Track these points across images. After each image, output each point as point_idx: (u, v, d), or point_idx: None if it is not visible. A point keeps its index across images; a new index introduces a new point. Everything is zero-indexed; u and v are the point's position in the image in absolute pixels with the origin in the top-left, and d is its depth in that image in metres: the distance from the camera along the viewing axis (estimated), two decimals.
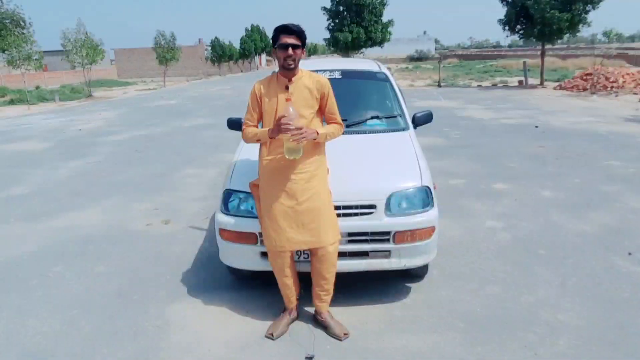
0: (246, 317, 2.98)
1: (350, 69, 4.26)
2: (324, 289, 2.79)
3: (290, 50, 2.56)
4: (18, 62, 21.70)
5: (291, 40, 2.56)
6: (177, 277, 3.58)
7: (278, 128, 2.49)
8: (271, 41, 2.68)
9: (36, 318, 3.07)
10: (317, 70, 4.11)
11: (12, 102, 21.82)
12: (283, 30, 2.58)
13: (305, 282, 2.94)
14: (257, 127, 2.75)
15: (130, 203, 5.57)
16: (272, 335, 2.74)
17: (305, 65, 4.87)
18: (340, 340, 2.71)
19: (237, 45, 56.70)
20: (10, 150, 9.60)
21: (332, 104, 2.78)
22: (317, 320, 2.86)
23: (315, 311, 2.88)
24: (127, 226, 4.79)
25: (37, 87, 28.88)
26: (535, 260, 3.67)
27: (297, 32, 2.57)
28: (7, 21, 37.91)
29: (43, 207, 5.55)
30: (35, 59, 22.59)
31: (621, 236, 4.09)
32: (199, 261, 3.86)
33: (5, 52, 22.74)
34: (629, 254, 3.73)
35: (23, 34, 26.73)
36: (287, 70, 2.64)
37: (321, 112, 2.79)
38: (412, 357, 2.55)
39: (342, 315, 2.91)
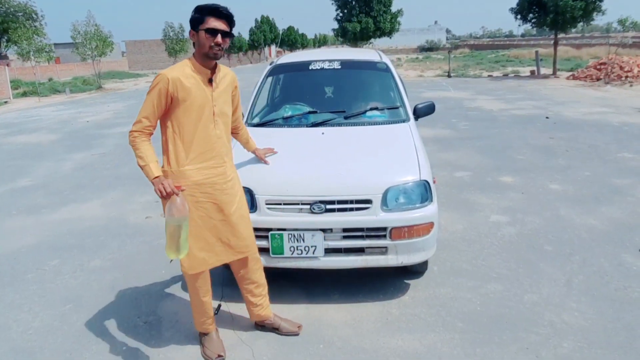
0: (239, 314, 2.91)
1: (349, 59, 4.14)
2: (262, 294, 2.61)
3: (219, 38, 2.19)
4: (29, 54, 21.86)
5: (222, 25, 2.20)
6: (172, 272, 3.52)
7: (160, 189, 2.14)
8: (190, 22, 2.22)
9: (28, 313, 3.05)
10: (315, 61, 4.02)
11: (24, 94, 22.01)
12: (212, 12, 2.18)
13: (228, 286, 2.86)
14: (154, 129, 2.27)
15: (131, 196, 5.54)
16: (222, 356, 2.49)
17: (300, 56, 4.70)
18: (297, 334, 2.61)
19: (246, 36, 56.58)
20: (18, 142, 9.66)
21: (239, 101, 2.58)
22: (264, 327, 2.70)
23: (258, 321, 2.71)
24: (126, 219, 4.75)
25: (50, 79, 29.11)
26: (541, 257, 3.54)
27: (227, 16, 2.21)
28: (19, 14, 38.30)
29: (46, 200, 5.55)
30: (46, 52, 22.75)
31: (632, 232, 3.93)
32: None
33: (17, 44, 22.96)
34: None
35: (34, 26, 26.93)
36: (211, 60, 2.26)
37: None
38: (407, 358, 2.46)
39: (337, 313, 2.83)
